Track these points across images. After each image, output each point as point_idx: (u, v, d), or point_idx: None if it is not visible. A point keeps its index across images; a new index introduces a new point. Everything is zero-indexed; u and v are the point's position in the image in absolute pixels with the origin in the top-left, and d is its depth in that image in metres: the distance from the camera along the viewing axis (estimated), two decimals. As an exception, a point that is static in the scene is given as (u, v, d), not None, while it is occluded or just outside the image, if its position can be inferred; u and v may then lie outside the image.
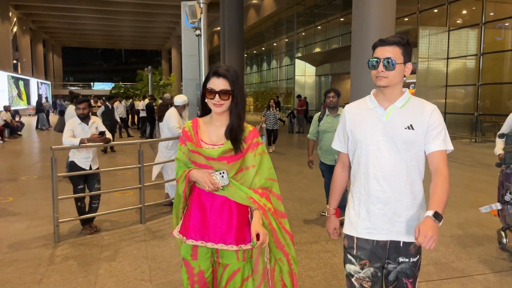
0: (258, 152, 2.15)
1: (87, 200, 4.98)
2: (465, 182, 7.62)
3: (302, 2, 26.41)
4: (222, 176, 2.06)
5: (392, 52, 1.93)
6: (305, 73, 25.88)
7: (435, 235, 1.78)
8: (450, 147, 1.99)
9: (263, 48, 36.74)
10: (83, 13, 39.11)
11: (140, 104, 18.39)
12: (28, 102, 38.17)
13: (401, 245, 1.98)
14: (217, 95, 2.03)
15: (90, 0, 34.02)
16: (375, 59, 1.96)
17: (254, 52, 39.24)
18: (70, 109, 8.03)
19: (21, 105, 34.55)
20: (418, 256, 2.03)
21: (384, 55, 1.94)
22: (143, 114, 17.13)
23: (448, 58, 15.90)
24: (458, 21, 16.57)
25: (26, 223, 5.22)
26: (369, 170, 1.99)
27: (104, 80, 70.09)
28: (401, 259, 2.00)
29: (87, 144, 4.61)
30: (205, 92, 2.08)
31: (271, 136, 11.98)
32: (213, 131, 2.14)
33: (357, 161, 2.06)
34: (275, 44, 33.37)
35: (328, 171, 5.21)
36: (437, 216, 1.83)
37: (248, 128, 2.17)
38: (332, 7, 23.68)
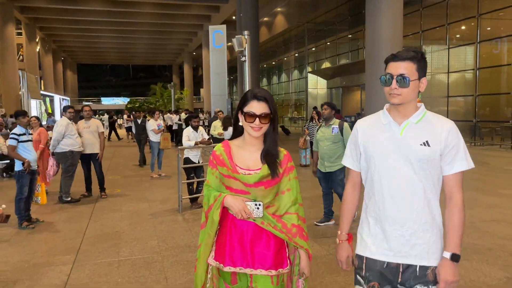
0: (293, 176, 2.14)
1: (194, 185, 7.04)
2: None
3: (313, 20, 28.61)
4: (258, 208, 2.01)
5: (406, 68, 1.84)
6: (317, 86, 28.01)
7: (456, 278, 1.80)
8: (471, 165, 1.91)
9: (274, 63, 38.94)
10: (101, 33, 41.17)
11: (174, 117, 20.28)
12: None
13: (418, 269, 1.87)
14: (257, 119, 2.01)
15: (109, 21, 36.00)
16: (388, 75, 1.87)
17: (264, 66, 41.45)
18: (151, 122, 10.22)
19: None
20: (436, 285, 1.88)
21: (397, 71, 1.84)
22: (176, 126, 19.05)
23: (448, 72, 18.05)
24: (457, 39, 18.64)
25: (146, 204, 7.28)
26: (383, 189, 1.91)
27: (112, 95, 72.27)
28: (418, 286, 1.87)
29: (198, 145, 6.70)
30: (244, 115, 2.05)
31: None
32: (247, 156, 2.10)
33: (370, 178, 1.98)
34: (285, 58, 35.54)
35: (323, 178, 5.71)
36: (455, 258, 1.83)
37: (283, 152, 2.14)
38: (341, 24, 25.86)
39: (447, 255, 1.83)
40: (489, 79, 17.13)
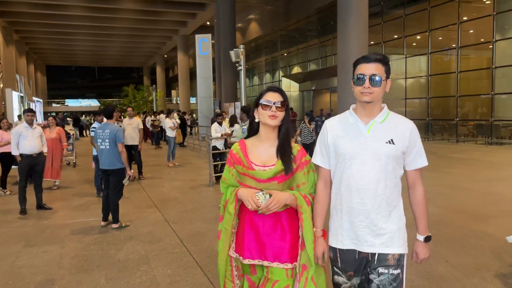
0: (307, 170, 2.22)
1: (219, 167, 9.27)
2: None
3: (285, 28, 31.13)
4: (265, 198, 2.09)
5: (377, 68, 1.98)
6: (290, 89, 30.56)
7: (428, 254, 2.12)
8: (427, 161, 2.11)
9: (247, 66, 41.20)
10: (76, 36, 41.16)
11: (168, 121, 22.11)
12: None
13: (382, 256, 2.03)
14: (273, 106, 2.13)
15: (85, 25, 35.59)
16: (361, 75, 1.99)
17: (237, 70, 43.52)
18: (167, 121, 12.36)
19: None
20: (399, 270, 2.03)
21: (370, 71, 1.97)
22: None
23: (406, 78, 21.00)
24: (413, 48, 21.57)
25: (180, 182, 9.44)
26: (351, 183, 2.02)
27: (78, 96, 71.94)
28: (381, 270, 2.02)
29: (223, 136, 8.96)
30: (260, 107, 2.18)
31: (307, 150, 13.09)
32: (263, 152, 2.20)
33: (339, 174, 2.08)
34: (258, 63, 37.91)
35: None
36: (428, 239, 2.10)
37: (296, 147, 2.22)
38: (311, 33, 28.47)
39: (421, 238, 2.10)
40: (439, 84, 20.12)
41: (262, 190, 2.12)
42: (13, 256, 4.79)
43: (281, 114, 2.16)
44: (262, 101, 2.17)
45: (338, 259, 2.10)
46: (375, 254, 2.03)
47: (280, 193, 2.12)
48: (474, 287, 3.70)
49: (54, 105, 65.22)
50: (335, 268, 2.14)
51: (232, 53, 13.53)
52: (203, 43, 22.29)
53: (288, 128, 2.19)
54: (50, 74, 72.95)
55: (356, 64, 2.05)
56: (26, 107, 37.72)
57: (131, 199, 7.72)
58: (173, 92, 63.70)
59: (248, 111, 7.43)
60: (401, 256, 2.04)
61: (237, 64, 13.88)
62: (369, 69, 1.98)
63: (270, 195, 2.10)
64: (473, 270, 4.07)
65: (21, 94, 37.22)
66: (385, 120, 2.05)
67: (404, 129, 2.04)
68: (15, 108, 34.19)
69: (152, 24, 36.08)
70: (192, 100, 48.79)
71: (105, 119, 6.20)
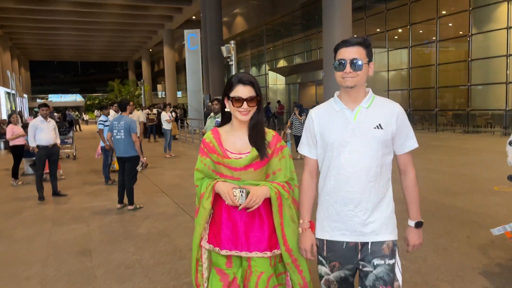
0: (282, 156, 2.17)
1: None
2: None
3: (271, 22, 31.78)
4: (242, 195, 2.04)
5: (357, 52, 1.92)
6: (276, 82, 31.31)
7: (420, 240, 2.06)
8: (417, 143, 2.06)
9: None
10: (61, 31, 41.05)
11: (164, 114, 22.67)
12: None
13: (374, 246, 1.96)
14: (245, 103, 2.04)
15: (71, 20, 35.54)
16: (341, 60, 1.94)
17: (224, 63, 44.04)
18: (164, 114, 12.99)
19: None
20: (394, 259, 1.99)
21: (350, 55, 1.92)
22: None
23: (388, 70, 21.93)
24: (395, 42, 22.49)
25: (181, 171, 10.11)
26: (339, 171, 1.96)
27: (60, 91, 71.19)
28: (376, 261, 1.95)
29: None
30: (231, 100, 2.07)
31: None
32: (236, 140, 2.14)
33: (327, 164, 2.02)
34: (245, 56, 38.47)
35: None
36: (419, 224, 2.04)
37: (271, 133, 2.17)
38: (296, 27, 29.19)
39: (412, 223, 2.04)
40: (420, 76, 21.09)
41: (239, 187, 2.06)
42: (46, 233, 5.45)
43: (253, 110, 2.09)
44: (233, 95, 2.07)
45: (325, 247, 2.05)
46: (366, 243, 1.97)
47: (258, 188, 2.07)
48: (442, 245, 4.50)
49: (38, 100, 64.76)
50: (319, 257, 2.09)
51: (223, 48, 14.16)
52: (192, 38, 22.86)
53: (259, 120, 2.13)
54: (32, 69, 72.10)
55: (336, 49, 2.00)
56: (12, 104, 37.64)
57: (138, 186, 8.32)
58: (159, 86, 63.84)
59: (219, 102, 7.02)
60: (394, 244, 2.00)
61: (228, 59, 14.53)
62: (350, 53, 1.93)
63: (248, 192, 2.05)
64: (442, 233, 4.88)
65: (9, 90, 37.30)
66: (371, 105, 1.99)
67: (392, 112, 1.99)
68: (2, 104, 34.41)
69: (138, 18, 36.16)
70: (179, 94, 49.22)
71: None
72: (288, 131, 11.45)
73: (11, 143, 8.97)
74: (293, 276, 2.18)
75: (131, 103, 7.34)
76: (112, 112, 9.32)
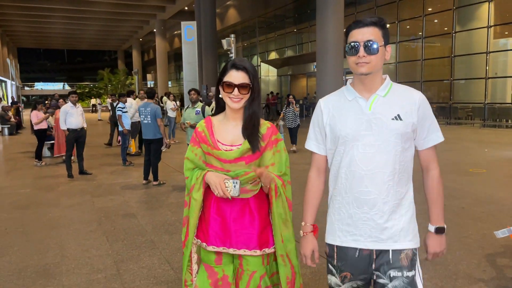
0: (277, 150, 2.03)
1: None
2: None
3: (263, 15, 32.60)
4: (234, 186, 1.94)
5: (372, 33, 1.68)
6: (268, 74, 32.23)
7: (443, 247, 1.79)
8: (442, 136, 1.82)
9: (224, 52, 42.36)
10: (52, 18, 40.97)
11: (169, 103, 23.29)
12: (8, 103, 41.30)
13: (391, 254, 1.73)
14: (236, 89, 1.92)
15: (62, 8, 35.56)
16: (354, 43, 1.69)
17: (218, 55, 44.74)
18: (168, 102, 13.85)
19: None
20: (413, 270, 1.75)
21: (364, 37, 1.67)
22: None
23: (376, 64, 23.01)
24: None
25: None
26: (352, 169, 1.74)
27: (47, 80, 70.85)
28: (392, 273, 1.72)
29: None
30: (222, 86, 1.96)
31: (293, 135, 11.08)
32: (229, 131, 2.03)
33: (338, 160, 1.80)
34: (237, 48, 39.16)
35: None
36: (440, 230, 1.79)
37: (266, 125, 2.04)
38: (289, 20, 30.08)
39: (432, 228, 1.80)
40: (406, 70, 22.21)
41: (232, 178, 1.96)
42: (89, 202, 6.36)
43: (245, 97, 1.96)
44: (225, 79, 1.96)
45: (335, 255, 1.83)
46: (383, 251, 1.74)
47: (268, 172, 1.97)
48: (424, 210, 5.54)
49: (26, 88, 64.65)
50: (329, 266, 1.86)
51: (224, 41, 15.06)
52: (189, 30, 23.55)
53: (254, 111, 2.01)
54: (19, 56, 71.41)
55: (348, 31, 1.75)
56: (4, 91, 37.76)
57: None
58: (149, 76, 64.15)
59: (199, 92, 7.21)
60: (414, 254, 1.76)
61: (228, 52, 15.41)
62: (364, 34, 1.68)
63: (241, 183, 1.95)
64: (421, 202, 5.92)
65: (2, 78, 37.55)
66: (388, 93, 1.75)
67: (412, 101, 1.74)
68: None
69: (130, 8, 36.23)
70: (169, 84, 49.77)
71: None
72: (281, 122, 11.33)
73: (36, 127, 9.78)
74: (282, 269, 2.06)
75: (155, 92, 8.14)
76: (129, 100, 10.16)
